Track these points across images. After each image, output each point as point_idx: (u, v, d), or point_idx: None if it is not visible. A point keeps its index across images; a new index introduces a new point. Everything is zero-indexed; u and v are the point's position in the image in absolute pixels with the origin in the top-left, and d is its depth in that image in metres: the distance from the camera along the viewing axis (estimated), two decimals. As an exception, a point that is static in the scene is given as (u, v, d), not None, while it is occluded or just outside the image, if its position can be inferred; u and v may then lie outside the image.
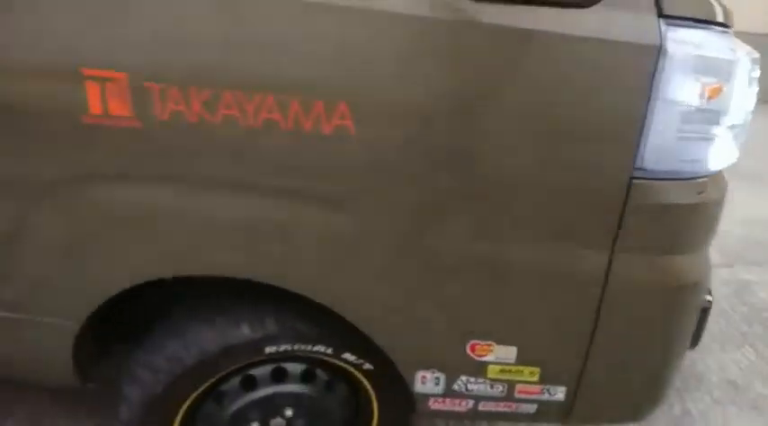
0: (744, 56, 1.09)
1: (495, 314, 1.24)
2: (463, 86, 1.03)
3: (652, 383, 1.37)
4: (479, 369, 1.31)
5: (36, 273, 1.22)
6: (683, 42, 1.03)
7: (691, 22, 1.05)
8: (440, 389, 1.35)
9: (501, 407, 1.39)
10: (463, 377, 1.33)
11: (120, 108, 1.04)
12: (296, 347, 1.32)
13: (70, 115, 1.04)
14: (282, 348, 1.32)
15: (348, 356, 1.37)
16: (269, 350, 1.31)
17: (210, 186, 1.11)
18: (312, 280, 1.20)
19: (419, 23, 1.00)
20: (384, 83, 1.03)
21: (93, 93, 1.03)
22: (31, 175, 1.10)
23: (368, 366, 1.40)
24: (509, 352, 1.29)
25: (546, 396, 1.36)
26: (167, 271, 1.18)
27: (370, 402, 1.50)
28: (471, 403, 1.38)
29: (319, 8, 1.00)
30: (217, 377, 1.33)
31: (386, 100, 1.03)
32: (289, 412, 1.41)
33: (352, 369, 1.42)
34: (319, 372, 1.44)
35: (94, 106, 1.04)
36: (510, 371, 1.31)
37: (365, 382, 1.45)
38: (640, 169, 1.09)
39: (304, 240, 1.15)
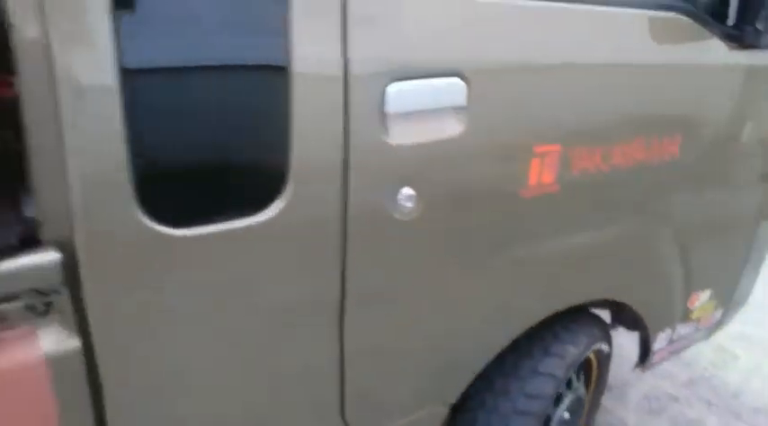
0: None
1: (706, 267, 1.68)
2: (739, 108, 1.43)
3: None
4: (688, 315, 1.73)
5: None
6: None
7: None
8: (665, 342, 1.73)
9: (688, 341, 1.83)
10: (679, 326, 1.73)
11: (549, 176, 1.16)
12: (592, 348, 1.55)
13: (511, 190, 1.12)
14: (587, 353, 1.53)
15: (603, 345, 1.64)
16: (580, 359, 1.52)
17: (597, 223, 1.30)
18: (633, 288, 1.48)
19: (705, 75, 1.37)
20: (702, 118, 1.37)
21: (538, 166, 1.13)
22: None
23: (607, 349, 1.69)
24: (705, 295, 1.74)
25: (713, 320, 1.85)
26: (576, 300, 1.34)
27: (590, 380, 1.78)
28: (675, 345, 1.79)
29: (661, 71, 1.28)
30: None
31: (705, 129, 1.38)
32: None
33: (593, 356, 1.69)
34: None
35: (537, 179, 1.14)
36: (703, 309, 1.77)
37: (595, 362, 1.73)
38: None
39: (635, 255, 1.42)
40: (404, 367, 1.17)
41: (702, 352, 2.57)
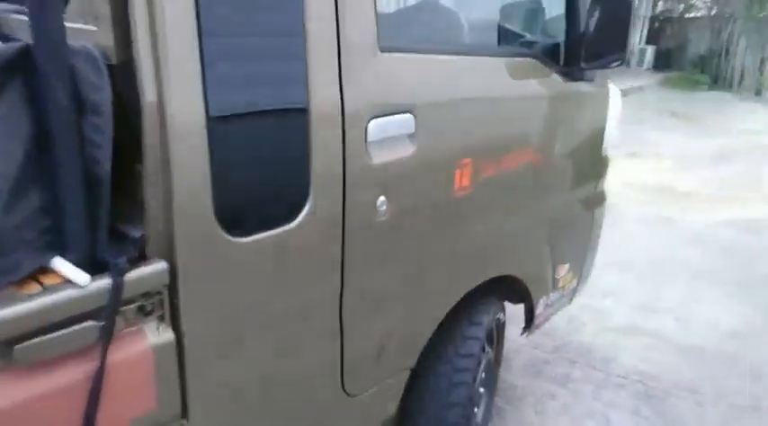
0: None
1: (564, 245, 2.20)
2: (566, 125, 1.97)
3: None
4: (557, 285, 2.24)
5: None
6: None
7: None
8: (543, 308, 2.22)
9: (558, 306, 2.35)
10: (551, 293, 2.23)
11: (466, 181, 1.58)
12: (496, 317, 1.99)
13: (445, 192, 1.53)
14: (494, 320, 1.96)
15: (501, 315, 2.09)
16: (491, 325, 1.94)
17: (497, 215, 1.74)
18: (523, 265, 1.94)
19: (551, 101, 1.88)
20: (552, 133, 1.88)
21: (459, 175, 1.54)
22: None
23: (503, 318, 2.14)
24: (566, 267, 2.27)
25: (572, 288, 2.39)
26: (492, 274, 1.77)
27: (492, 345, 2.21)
28: (549, 310, 2.29)
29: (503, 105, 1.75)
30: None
31: (555, 142, 1.89)
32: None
33: (493, 325, 2.13)
34: None
35: (459, 183, 1.55)
36: (565, 279, 2.29)
37: (495, 330, 2.17)
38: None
39: (524, 238, 1.89)
40: (384, 343, 1.50)
41: (559, 323, 3.15)
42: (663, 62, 16.95)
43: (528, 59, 1.81)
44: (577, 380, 2.74)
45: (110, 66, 0.95)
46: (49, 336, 0.90)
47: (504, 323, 2.18)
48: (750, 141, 8.54)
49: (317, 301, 1.31)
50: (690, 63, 16.27)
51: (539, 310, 2.20)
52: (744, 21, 14.10)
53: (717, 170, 6.85)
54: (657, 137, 8.47)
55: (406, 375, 1.64)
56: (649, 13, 18.86)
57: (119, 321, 0.97)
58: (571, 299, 2.49)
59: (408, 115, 1.36)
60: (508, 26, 1.98)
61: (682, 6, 18.83)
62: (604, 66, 1.91)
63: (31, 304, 0.88)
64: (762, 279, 3.92)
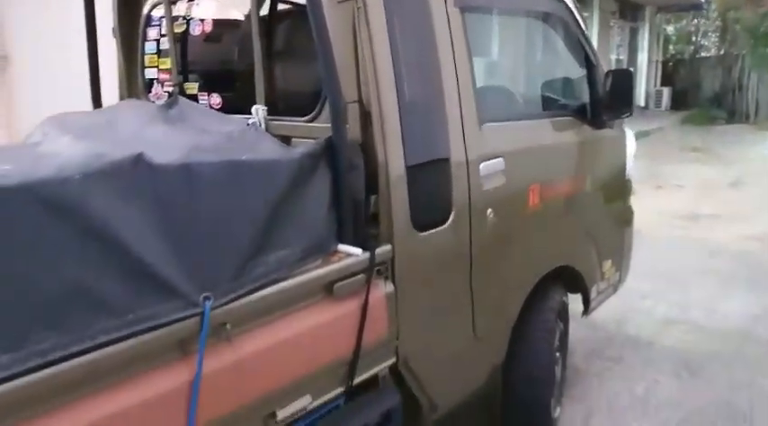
0: None
1: (606, 246, 3.03)
2: (598, 159, 2.84)
3: None
4: (603, 276, 3.05)
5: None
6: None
7: None
8: (595, 294, 3.02)
9: (606, 294, 3.15)
10: (600, 282, 3.04)
11: (536, 200, 2.44)
12: (562, 299, 2.80)
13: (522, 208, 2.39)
14: (561, 302, 2.78)
15: (565, 298, 2.90)
16: (560, 303, 2.76)
17: (557, 222, 2.59)
18: (577, 259, 2.78)
19: (586, 144, 2.76)
20: (588, 166, 2.76)
21: (531, 195, 2.41)
22: None
23: (567, 301, 2.94)
24: (609, 262, 3.08)
25: (615, 279, 3.19)
26: (561, 263, 2.60)
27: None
28: (600, 296, 3.09)
29: (554, 149, 2.65)
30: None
31: (591, 172, 2.77)
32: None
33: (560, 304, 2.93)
34: None
35: (532, 201, 2.42)
36: (609, 271, 3.10)
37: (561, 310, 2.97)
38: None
39: (578, 239, 2.75)
40: (495, 306, 2.33)
41: (608, 322, 3.90)
42: (679, 101, 17.79)
43: (567, 118, 2.70)
44: (628, 358, 3.49)
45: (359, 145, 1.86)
46: (347, 281, 1.76)
47: (567, 306, 2.97)
48: (764, 166, 9.26)
49: (458, 273, 2.16)
50: (705, 100, 17.11)
51: (592, 295, 3.00)
52: (751, 57, 14.98)
53: (733, 194, 7.60)
54: (680, 170, 9.25)
55: (509, 332, 2.45)
56: (661, 57, 19.84)
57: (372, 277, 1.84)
58: (615, 289, 3.29)
59: (501, 159, 2.24)
60: (550, 95, 2.88)
61: (692, 48, 19.81)
62: (618, 118, 2.80)
63: (342, 263, 1.75)
64: (774, 277, 4.66)
